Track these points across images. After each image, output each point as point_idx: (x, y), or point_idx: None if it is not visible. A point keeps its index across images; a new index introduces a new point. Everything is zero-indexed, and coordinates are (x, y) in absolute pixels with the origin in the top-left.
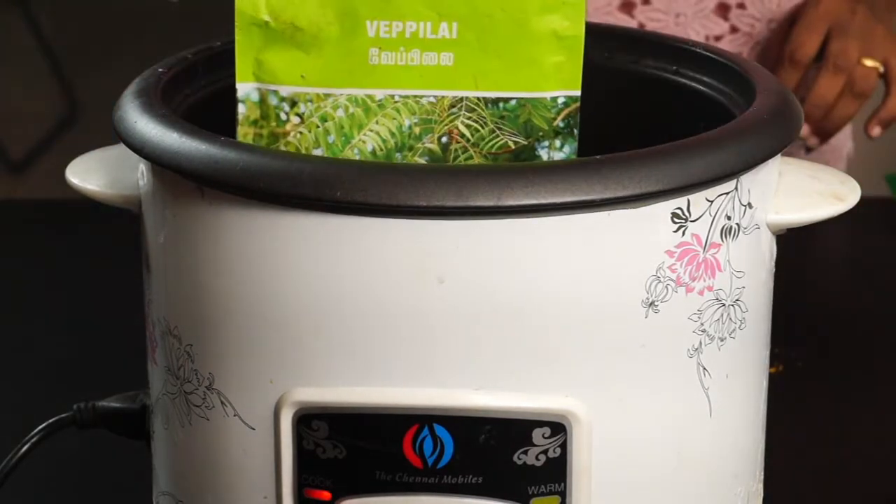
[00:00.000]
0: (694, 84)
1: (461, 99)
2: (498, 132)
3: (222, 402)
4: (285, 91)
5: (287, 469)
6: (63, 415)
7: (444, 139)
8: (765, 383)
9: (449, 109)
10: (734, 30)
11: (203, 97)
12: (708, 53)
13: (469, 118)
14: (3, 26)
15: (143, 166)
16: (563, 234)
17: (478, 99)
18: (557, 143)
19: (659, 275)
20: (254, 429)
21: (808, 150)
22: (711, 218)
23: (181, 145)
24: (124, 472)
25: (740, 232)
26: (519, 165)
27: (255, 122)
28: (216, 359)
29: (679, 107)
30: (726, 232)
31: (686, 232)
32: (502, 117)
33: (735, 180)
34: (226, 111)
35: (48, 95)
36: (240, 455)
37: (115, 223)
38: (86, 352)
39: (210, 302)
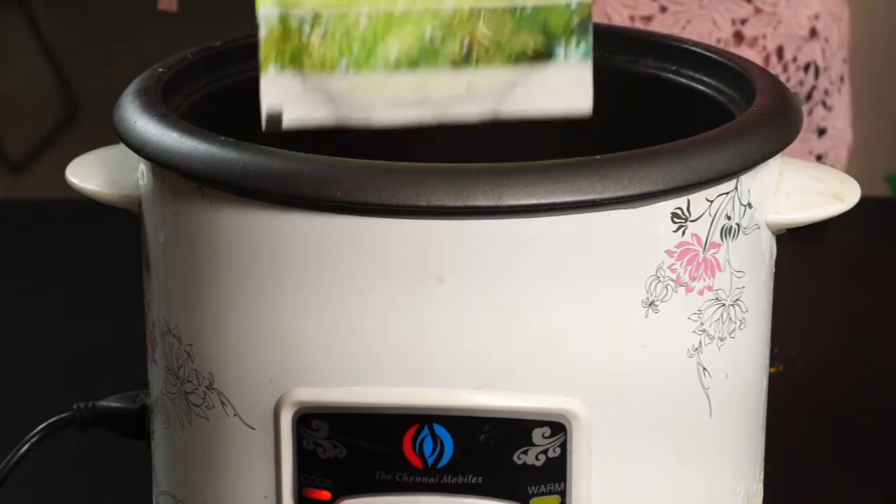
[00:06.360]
0: (694, 84)
1: (479, 9)
2: (518, 33)
3: (222, 402)
4: (306, 11)
5: (287, 469)
6: (63, 415)
7: (465, 43)
8: (765, 383)
9: (469, 18)
10: (758, 11)
11: (203, 97)
12: (708, 53)
13: (489, 22)
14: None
15: (143, 166)
16: (563, 233)
17: (495, 7)
18: (574, 41)
19: (659, 275)
20: (254, 429)
21: (822, 132)
22: (711, 218)
23: (181, 145)
24: (124, 472)
25: (740, 232)
26: (518, 165)
27: (277, 42)
28: (216, 359)
29: (679, 107)
30: (726, 232)
31: (686, 232)
32: (520, 22)
33: (735, 180)
34: (226, 111)
35: (48, 95)
36: (240, 455)
37: (115, 223)
38: (86, 352)
39: (210, 302)
